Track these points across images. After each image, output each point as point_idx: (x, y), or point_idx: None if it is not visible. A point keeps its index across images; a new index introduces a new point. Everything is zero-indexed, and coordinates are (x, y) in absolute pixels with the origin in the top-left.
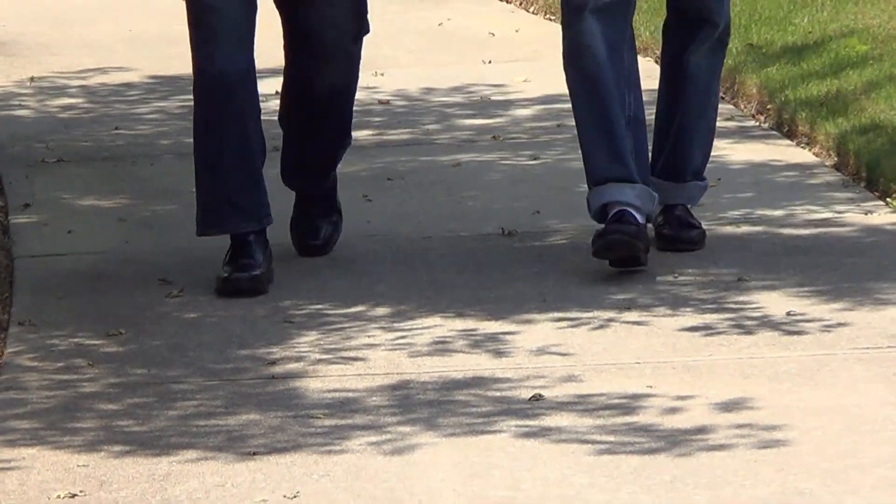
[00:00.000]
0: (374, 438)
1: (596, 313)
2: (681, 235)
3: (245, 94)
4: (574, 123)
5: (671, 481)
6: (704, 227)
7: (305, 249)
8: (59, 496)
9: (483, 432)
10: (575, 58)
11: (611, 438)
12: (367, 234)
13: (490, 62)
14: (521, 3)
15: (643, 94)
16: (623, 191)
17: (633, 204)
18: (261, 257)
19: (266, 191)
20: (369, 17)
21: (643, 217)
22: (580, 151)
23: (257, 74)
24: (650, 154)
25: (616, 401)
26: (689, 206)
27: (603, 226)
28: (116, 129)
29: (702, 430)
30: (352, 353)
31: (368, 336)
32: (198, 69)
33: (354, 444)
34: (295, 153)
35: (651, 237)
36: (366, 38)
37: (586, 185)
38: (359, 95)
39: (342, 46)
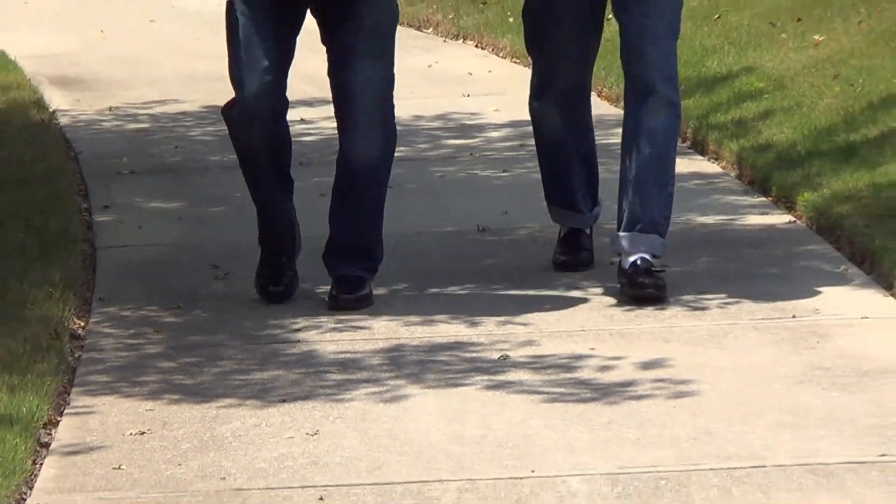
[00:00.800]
0: (375, 390)
1: (550, 292)
2: (646, 285)
3: (271, 165)
4: (535, 152)
5: (608, 423)
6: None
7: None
8: (130, 433)
9: (460, 385)
10: (540, 125)
11: (561, 390)
12: None
13: (468, 95)
14: (492, 50)
15: None
16: (567, 216)
17: (583, 230)
18: (288, 271)
19: (296, 224)
20: None
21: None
22: (540, 174)
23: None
24: (616, 212)
25: (565, 360)
26: (651, 259)
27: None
28: (175, 147)
29: (631, 383)
30: (358, 324)
31: (373, 309)
32: (234, 140)
33: (360, 394)
34: (337, 234)
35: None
36: None
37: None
38: None
39: (374, 105)
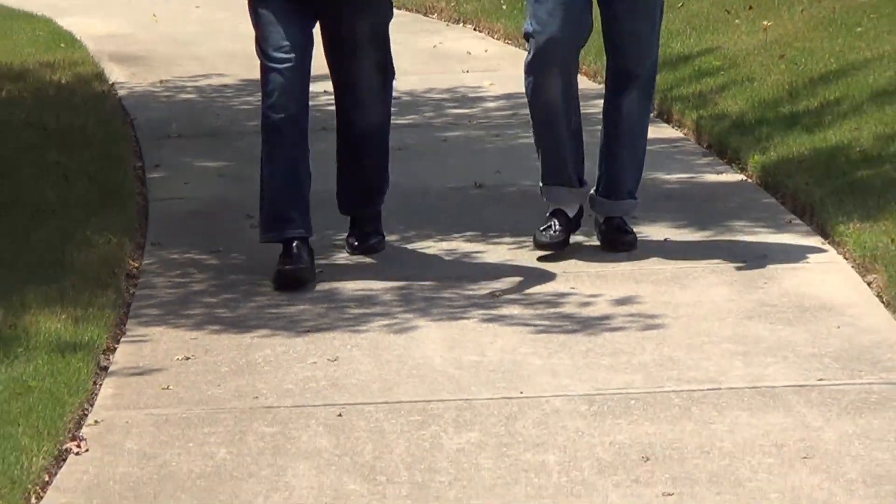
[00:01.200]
0: (387, 322)
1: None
2: (619, 240)
3: (297, 134)
4: (531, 126)
5: (586, 351)
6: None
7: (354, 250)
8: (177, 358)
9: (460, 318)
10: (536, 99)
11: (546, 323)
12: None
13: (467, 71)
14: (488, 33)
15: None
16: (561, 193)
17: (567, 205)
18: (305, 256)
19: (309, 208)
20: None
21: (573, 211)
22: (536, 150)
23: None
24: (596, 176)
25: (549, 298)
26: (624, 218)
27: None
28: (217, 114)
29: (606, 317)
30: (374, 265)
31: (385, 253)
32: (263, 115)
33: (374, 326)
34: (345, 185)
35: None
36: None
37: (534, 156)
38: None
39: (374, 91)
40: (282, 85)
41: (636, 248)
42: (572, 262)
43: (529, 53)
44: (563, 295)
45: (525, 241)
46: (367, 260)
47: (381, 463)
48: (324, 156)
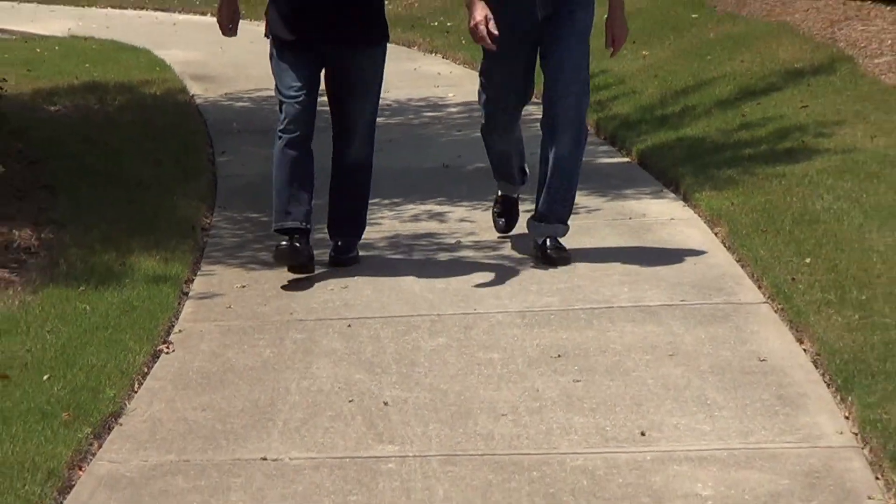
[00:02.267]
0: (379, 264)
1: (488, 204)
2: (558, 257)
3: (304, 152)
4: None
5: (519, 280)
6: None
7: (331, 260)
8: (236, 286)
9: (432, 259)
10: (489, 143)
11: (492, 262)
12: (379, 167)
13: (438, 86)
14: (452, 60)
15: None
16: (507, 186)
17: (512, 192)
18: (301, 243)
19: (309, 206)
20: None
21: (516, 193)
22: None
23: None
24: (535, 205)
25: (494, 244)
26: (558, 237)
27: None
28: (265, 117)
29: (533, 258)
30: (371, 224)
31: (380, 214)
32: (277, 136)
33: (373, 263)
34: (333, 214)
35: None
36: None
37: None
38: None
39: (365, 130)
40: (292, 114)
41: (571, 263)
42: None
43: (483, 119)
44: (502, 243)
45: (478, 205)
46: (368, 216)
47: (378, 359)
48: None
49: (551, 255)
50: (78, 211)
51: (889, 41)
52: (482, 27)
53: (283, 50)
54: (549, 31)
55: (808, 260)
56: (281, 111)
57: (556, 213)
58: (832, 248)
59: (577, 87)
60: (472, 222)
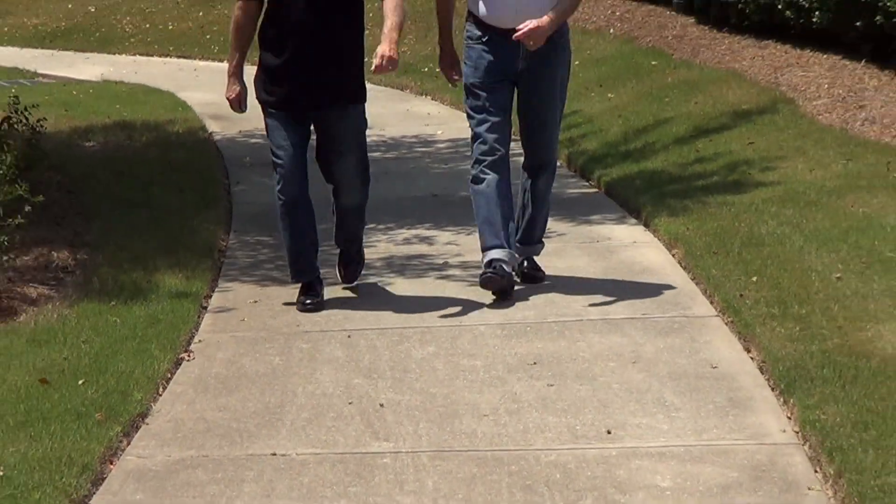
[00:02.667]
0: (377, 279)
1: (472, 229)
2: (535, 276)
3: (303, 208)
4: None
5: (501, 301)
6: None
7: (342, 278)
8: (249, 302)
9: (422, 276)
10: (477, 186)
11: (474, 279)
12: (375, 196)
13: (428, 125)
14: (441, 101)
15: None
16: (495, 252)
17: (504, 260)
18: (317, 289)
19: (315, 256)
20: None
21: (509, 267)
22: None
23: None
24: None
25: (476, 263)
26: (535, 258)
27: (485, 271)
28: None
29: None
30: (367, 244)
31: (375, 237)
32: (277, 195)
33: (371, 281)
34: (338, 234)
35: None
36: (376, 115)
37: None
38: (371, 137)
39: (357, 183)
40: (283, 174)
41: (545, 281)
42: None
43: (472, 167)
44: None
45: (463, 230)
46: (365, 238)
47: (374, 366)
48: None
49: (529, 275)
50: (109, 235)
51: (826, 85)
52: (448, 72)
53: (271, 113)
54: (527, 80)
55: (754, 278)
56: (275, 171)
57: (534, 236)
58: (776, 267)
59: (550, 133)
60: (458, 245)
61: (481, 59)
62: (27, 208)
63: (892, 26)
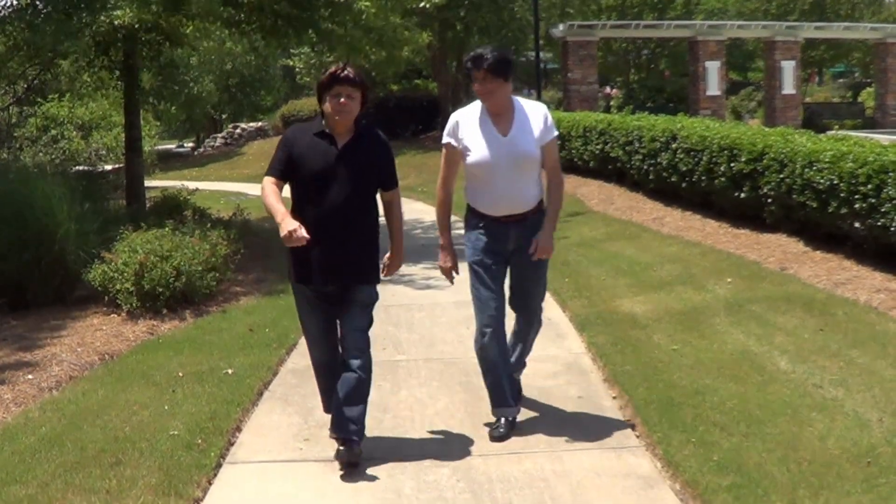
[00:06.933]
0: (394, 311)
1: (464, 265)
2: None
3: (333, 374)
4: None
5: (468, 320)
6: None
7: (337, 454)
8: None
9: (420, 288)
10: (479, 351)
11: (464, 300)
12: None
13: (422, 220)
14: (428, 203)
15: None
16: (506, 410)
17: (512, 416)
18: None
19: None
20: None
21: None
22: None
23: None
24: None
25: (465, 299)
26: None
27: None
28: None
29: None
30: (385, 287)
31: (392, 281)
32: (312, 363)
33: (387, 313)
34: (335, 399)
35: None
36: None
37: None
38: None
39: (361, 336)
40: (316, 363)
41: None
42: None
43: (477, 335)
44: (468, 300)
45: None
46: (385, 281)
47: (397, 321)
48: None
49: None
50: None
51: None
52: (446, 267)
53: (298, 293)
54: (517, 257)
55: (566, 279)
56: (311, 354)
57: (519, 360)
58: (576, 276)
59: (536, 300)
60: (444, 281)
61: (479, 241)
62: (240, 252)
63: None
